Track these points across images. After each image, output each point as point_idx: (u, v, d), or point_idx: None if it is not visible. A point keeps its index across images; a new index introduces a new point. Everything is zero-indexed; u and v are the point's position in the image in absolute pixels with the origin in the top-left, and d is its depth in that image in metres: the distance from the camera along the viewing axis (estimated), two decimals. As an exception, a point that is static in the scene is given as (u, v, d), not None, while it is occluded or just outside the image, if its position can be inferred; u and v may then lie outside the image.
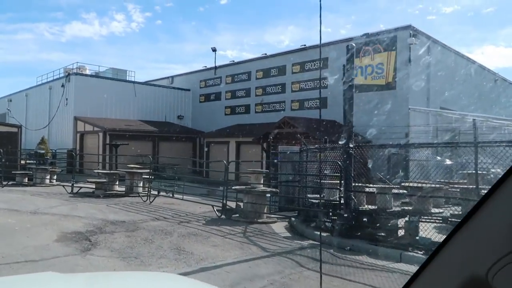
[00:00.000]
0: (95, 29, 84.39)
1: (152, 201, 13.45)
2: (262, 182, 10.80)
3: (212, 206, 11.61)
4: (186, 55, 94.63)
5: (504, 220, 0.82)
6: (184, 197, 13.70)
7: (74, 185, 15.51)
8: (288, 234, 9.14)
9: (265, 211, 10.86)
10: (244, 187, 10.95)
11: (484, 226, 0.87)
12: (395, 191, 8.36)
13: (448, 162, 10.94)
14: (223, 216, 10.96)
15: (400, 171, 12.14)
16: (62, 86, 25.86)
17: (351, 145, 8.18)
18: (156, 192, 14.72)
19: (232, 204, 11.57)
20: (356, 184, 8.26)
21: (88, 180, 15.55)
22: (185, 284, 2.21)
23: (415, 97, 18.57)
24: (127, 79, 29.82)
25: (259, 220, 10.43)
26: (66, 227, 8.88)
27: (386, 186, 8.46)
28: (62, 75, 27.73)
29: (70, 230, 8.60)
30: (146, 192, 14.26)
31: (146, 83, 29.86)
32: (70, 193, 15.13)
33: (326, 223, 8.69)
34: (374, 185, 8.76)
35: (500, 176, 0.82)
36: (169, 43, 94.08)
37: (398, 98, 18.35)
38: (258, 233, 9.08)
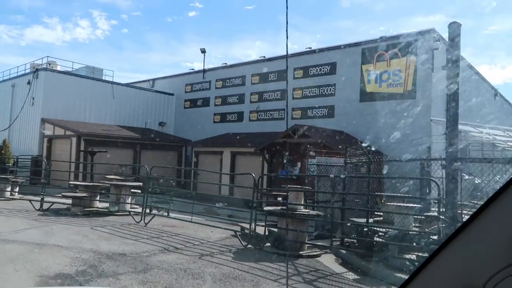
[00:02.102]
0: (58, 34, 79.62)
1: (148, 222, 10.75)
2: (302, 202, 8.43)
3: (235, 232, 9.11)
4: (153, 65, 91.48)
5: (504, 231, 0.77)
6: (185, 218, 11.05)
7: (44, 199, 12.51)
8: (355, 275, 6.80)
9: (306, 239, 8.48)
10: (279, 208, 8.54)
11: (482, 235, 0.81)
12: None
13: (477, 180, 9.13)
14: (250, 246, 8.49)
15: (426, 189, 10.18)
16: (29, 83, 22.48)
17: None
18: (148, 210, 11.93)
19: (255, 228, 9.12)
20: (464, 211, 6.09)
21: (64, 194, 12.55)
22: None
23: (435, 108, 16.92)
24: (104, 79, 26.64)
25: (302, 252, 8.04)
26: (45, 266, 6.13)
27: None
28: (28, 71, 24.28)
29: (52, 272, 5.87)
30: (139, 211, 11.55)
31: (125, 84, 26.83)
32: (39, 209, 12.14)
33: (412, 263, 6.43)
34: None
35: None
36: (135, 53, 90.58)
37: (418, 108, 16.60)
38: (317, 274, 6.69)
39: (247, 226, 9.35)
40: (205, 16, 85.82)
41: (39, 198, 12.69)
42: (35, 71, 22.53)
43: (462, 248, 0.86)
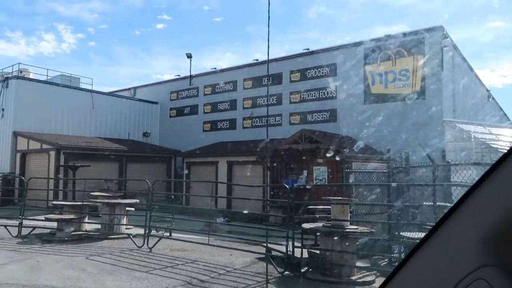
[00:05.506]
0: (21, 48, 76.00)
1: (153, 246, 9.11)
2: (349, 217, 7.08)
3: (265, 254, 7.63)
4: (122, 78, 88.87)
5: (470, 235, 0.76)
6: (192, 238, 9.49)
7: (22, 224, 10.63)
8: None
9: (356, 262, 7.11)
10: (321, 224, 7.14)
11: (449, 241, 0.81)
12: None
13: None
14: (287, 272, 7.04)
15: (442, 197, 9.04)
16: (-3, 93, 20.32)
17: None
18: (147, 231, 10.21)
19: (279, 249, 7.68)
20: None
21: (47, 217, 10.72)
22: None
23: (446, 108, 16.06)
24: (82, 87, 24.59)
25: (354, 278, 6.67)
26: (41, 322, 4.50)
27: None
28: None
29: (54, 332, 4.25)
30: (135, 232, 9.89)
31: (106, 93, 24.88)
32: (16, 236, 10.27)
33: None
34: None
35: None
36: (103, 66, 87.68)
37: (429, 109, 15.65)
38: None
39: (276, 247, 7.92)
40: (174, 28, 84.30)
41: (16, 223, 10.82)
42: (5, 80, 20.38)
43: (431, 254, 0.83)
